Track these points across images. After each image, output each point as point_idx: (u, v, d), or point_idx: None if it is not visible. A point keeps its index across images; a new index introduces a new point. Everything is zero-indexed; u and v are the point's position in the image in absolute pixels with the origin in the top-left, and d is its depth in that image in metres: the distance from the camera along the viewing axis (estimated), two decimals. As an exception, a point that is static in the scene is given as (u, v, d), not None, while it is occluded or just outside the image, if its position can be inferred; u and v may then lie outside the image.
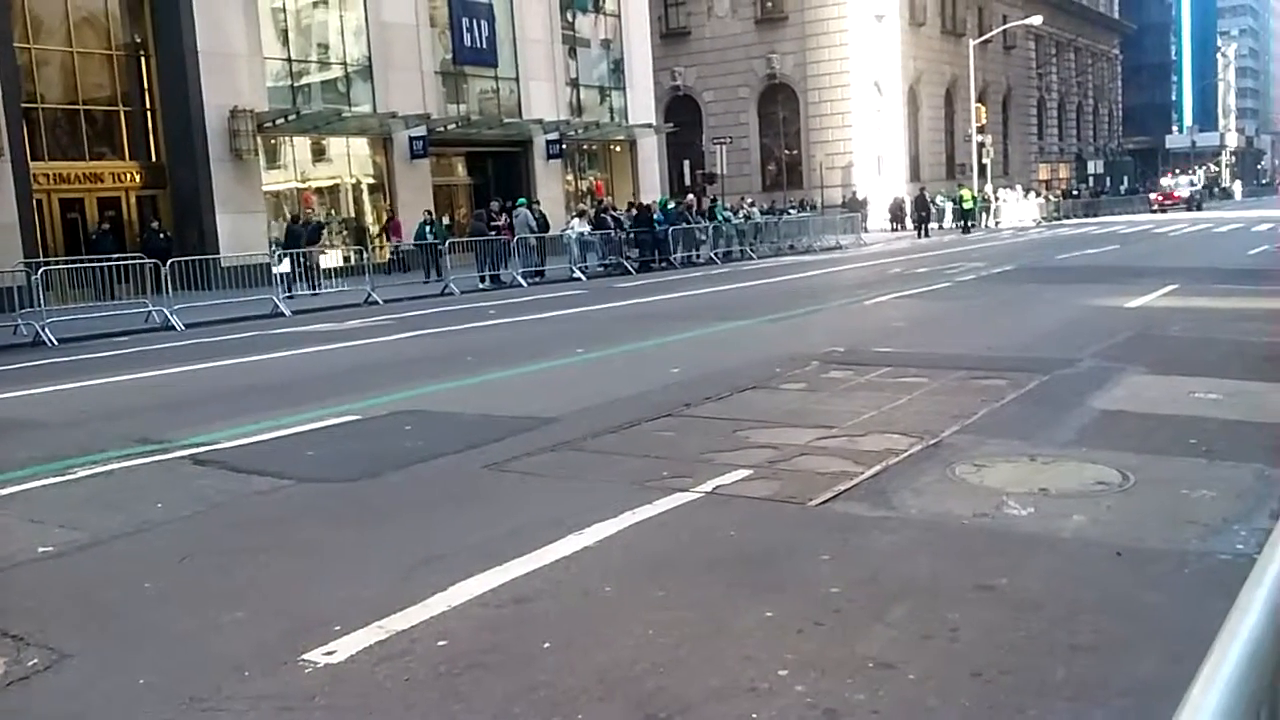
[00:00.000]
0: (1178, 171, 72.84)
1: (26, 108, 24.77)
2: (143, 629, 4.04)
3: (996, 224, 48.29)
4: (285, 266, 21.48)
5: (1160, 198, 61.62)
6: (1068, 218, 53.55)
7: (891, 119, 52.83)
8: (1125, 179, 77.91)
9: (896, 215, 46.14)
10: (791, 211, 41.36)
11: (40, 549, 5.08)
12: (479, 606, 4.02)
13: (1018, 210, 51.12)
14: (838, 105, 51.85)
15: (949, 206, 44.40)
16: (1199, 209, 58.29)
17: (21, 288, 17.59)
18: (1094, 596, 3.89)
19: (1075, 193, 66.77)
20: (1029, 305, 14.49)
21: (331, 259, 26.13)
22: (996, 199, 50.92)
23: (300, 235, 25.02)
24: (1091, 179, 73.02)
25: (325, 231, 25.62)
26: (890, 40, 52.13)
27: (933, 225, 42.09)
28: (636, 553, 4.60)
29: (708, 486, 5.51)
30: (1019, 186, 57.40)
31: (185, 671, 3.60)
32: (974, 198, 44.26)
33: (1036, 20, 55.86)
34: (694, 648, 3.56)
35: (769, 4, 53.09)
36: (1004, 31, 59.41)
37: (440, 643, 3.69)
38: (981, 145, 50.27)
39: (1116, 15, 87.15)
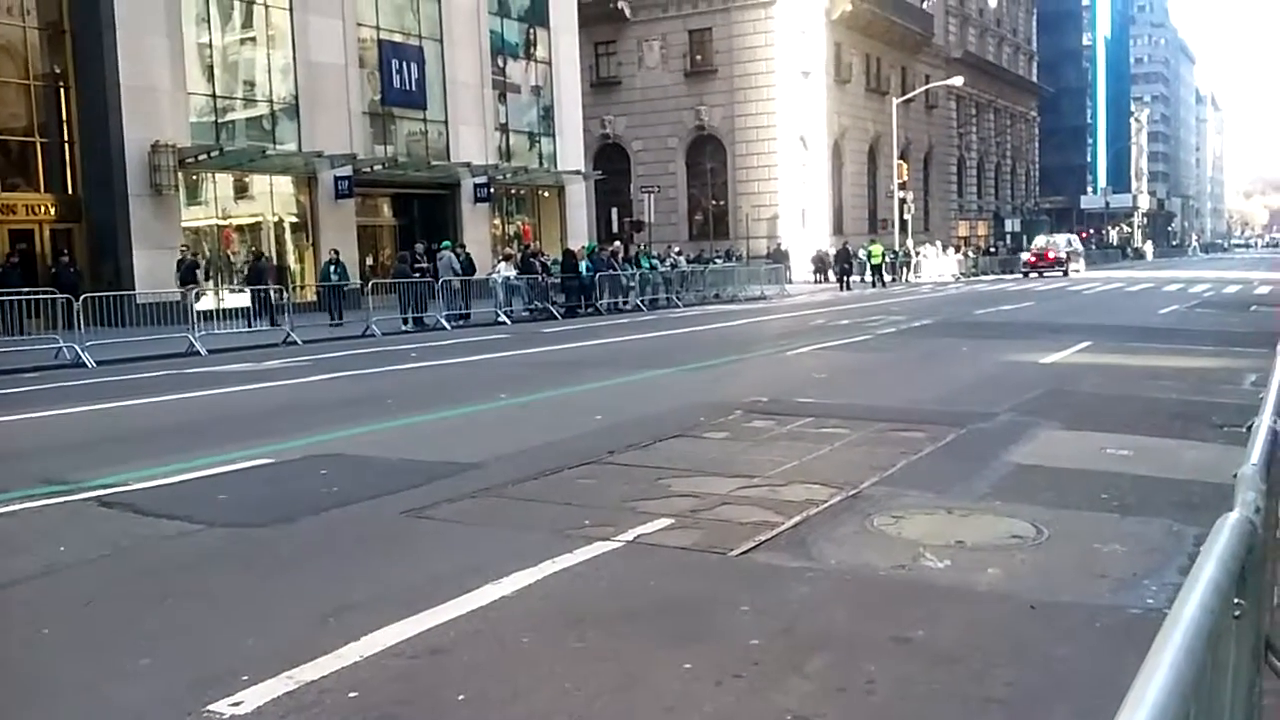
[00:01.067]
0: (1076, 228, 72.14)
1: (-62, 136, 24.16)
2: (40, 677, 3.89)
3: (916, 279, 49.22)
4: (209, 303, 21.17)
5: (1033, 258, 52.81)
6: (985, 274, 54.78)
7: (816, 173, 53.74)
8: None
9: (819, 267, 46.83)
10: (717, 261, 41.76)
11: (-67, 593, 4.88)
12: (392, 657, 3.94)
13: (937, 265, 52.21)
14: (764, 158, 52.60)
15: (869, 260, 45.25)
16: (1068, 273, 51.03)
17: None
18: (1008, 649, 3.93)
19: (993, 250, 68.39)
20: (947, 359, 14.75)
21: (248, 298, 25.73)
22: (917, 254, 51.93)
23: (264, 272, 24.70)
24: (1009, 237, 74.99)
25: (199, 272, 24.86)
26: (816, 96, 53.15)
27: (854, 278, 42.80)
28: (555, 602, 4.55)
29: (629, 535, 5.48)
30: (939, 242, 58.65)
31: (82, 723, 3.47)
32: (884, 252, 44.93)
33: (958, 81, 57.45)
34: (611, 699, 3.52)
35: (698, 57, 53.85)
36: (926, 91, 60.99)
37: (351, 694, 3.60)
38: (903, 201, 51.32)
39: (1035, 79, 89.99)
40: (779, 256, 45.65)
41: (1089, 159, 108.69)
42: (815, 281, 45.97)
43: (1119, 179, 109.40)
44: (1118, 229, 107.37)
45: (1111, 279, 44.65)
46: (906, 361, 14.75)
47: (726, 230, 53.02)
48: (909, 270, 49.57)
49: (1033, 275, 50.18)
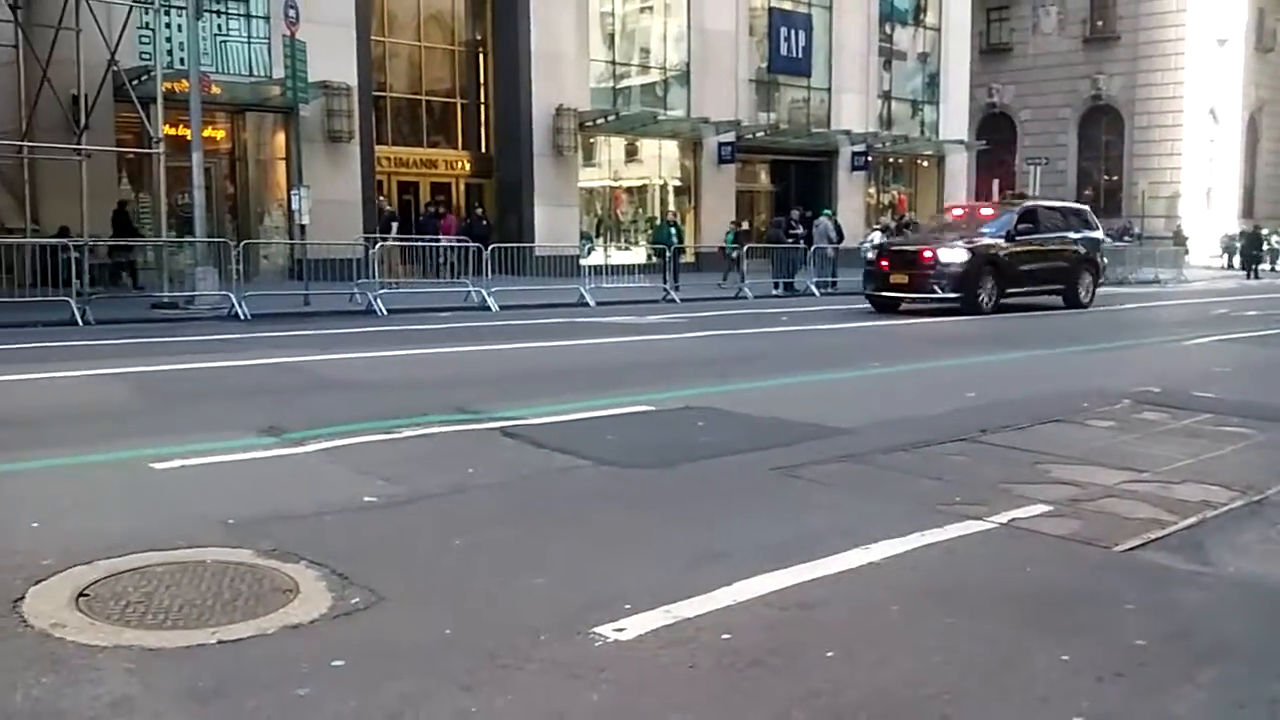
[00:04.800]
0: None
1: (376, 96, 27.02)
2: (451, 582, 4.32)
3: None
4: (596, 258, 22.46)
5: (883, 264, 19.73)
6: None
7: (1226, 149, 49.00)
8: None
9: (1226, 252, 42.78)
10: (1109, 240, 39.08)
11: (365, 498, 5.55)
12: (763, 606, 4.06)
13: (1372, 258, 46.15)
14: (1167, 131, 48.57)
15: (1282, 248, 40.72)
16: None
17: (359, 260, 19.23)
18: None
19: None
20: (1379, 363, 13.08)
21: (636, 255, 27.12)
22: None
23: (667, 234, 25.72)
24: None
25: (395, 225, 24.83)
26: (1232, 65, 48.33)
27: (1264, 266, 38.67)
28: (924, 576, 4.51)
29: (1003, 518, 5.32)
30: (1375, 232, 51.83)
31: (486, 627, 3.83)
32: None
33: None
34: (982, 680, 3.46)
35: (1100, 22, 50.39)
36: (1372, 60, 53.77)
37: (724, 636, 3.75)
38: (1332, 183, 45.77)
39: None
40: (1179, 238, 42.15)
41: None
42: (1219, 268, 42.05)
43: None
44: None
45: None
46: (1327, 362, 13.23)
47: (1119, 208, 49.55)
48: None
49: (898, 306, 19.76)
